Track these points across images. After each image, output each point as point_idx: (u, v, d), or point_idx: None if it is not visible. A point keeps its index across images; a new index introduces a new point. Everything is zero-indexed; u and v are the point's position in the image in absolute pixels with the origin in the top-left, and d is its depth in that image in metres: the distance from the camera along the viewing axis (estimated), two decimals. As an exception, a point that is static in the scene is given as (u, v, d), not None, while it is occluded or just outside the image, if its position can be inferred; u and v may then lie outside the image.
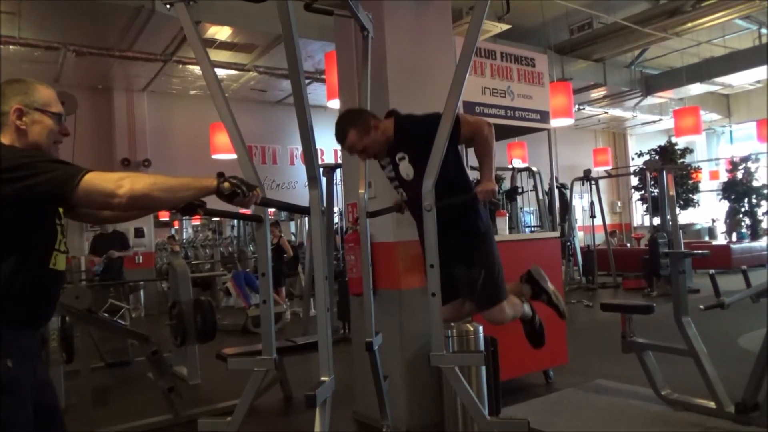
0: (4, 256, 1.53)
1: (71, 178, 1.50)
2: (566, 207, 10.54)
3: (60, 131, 1.75)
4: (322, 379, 1.87)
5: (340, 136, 2.54)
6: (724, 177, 14.83)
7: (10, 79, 1.73)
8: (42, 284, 1.62)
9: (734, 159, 14.22)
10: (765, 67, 11.17)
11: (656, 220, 9.78)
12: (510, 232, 4.40)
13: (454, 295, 2.66)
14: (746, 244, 12.24)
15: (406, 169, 2.49)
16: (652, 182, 10.17)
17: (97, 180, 1.52)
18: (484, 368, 3.19)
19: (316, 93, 9.73)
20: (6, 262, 1.53)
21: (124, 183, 1.52)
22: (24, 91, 1.70)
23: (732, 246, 11.62)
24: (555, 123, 5.77)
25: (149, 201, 1.59)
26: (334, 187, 6.20)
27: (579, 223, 12.46)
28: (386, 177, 2.67)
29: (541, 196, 8.61)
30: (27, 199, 1.51)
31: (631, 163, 15.80)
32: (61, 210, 1.71)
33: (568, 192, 10.67)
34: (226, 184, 1.69)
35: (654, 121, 15.76)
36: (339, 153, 4.21)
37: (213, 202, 1.88)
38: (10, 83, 1.71)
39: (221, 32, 8.32)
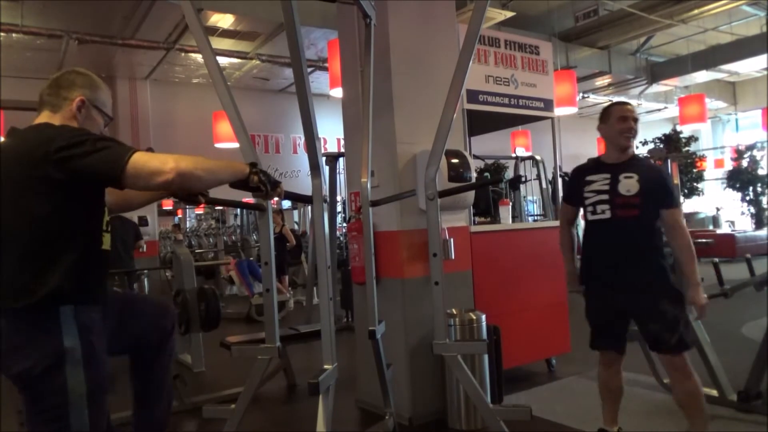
0: (65, 241, 1.60)
1: (120, 158, 1.54)
2: (570, 196, 10.48)
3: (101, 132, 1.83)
4: (325, 366, 1.88)
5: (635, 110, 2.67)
6: (729, 165, 14.75)
7: (80, 70, 1.84)
8: (97, 264, 1.72)
9: (740, 147, 14.16)
10: (771, 54, 11.07)
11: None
12: (513, 221, 4.39)
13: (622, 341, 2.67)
14: (750, 232, 12.20)
15: (629, 186, 2.48)
16: (657, 171, 10.10)
17: (144, 158, 1.55)
18: (486, 356, 3.20)
19: (319, 81, 9.70)
20: (67, 245, 1.61)
21: (169, 161, 1.55)
22: (91, 85, 1.80)
23: (736, 235, 11.59)
24: (559, 111, 5.74)
25: (195, 180, 1.63)
26: (338, 176, 6.19)
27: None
28: (585, 191, 2.60)
29: (544, 185, 8.57)
30: (81, 179, 1.58)
31: (636, 151, 15.67)
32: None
33: (571, 181, 10.61)
34: (255, 178, 1.78)
35: (659, 109, 15.64)
36: (342, 142, 4.20)
37: (220, 192, 1.89)
38: (80, 74, 1.81)
39: (224, 20, 8.28)
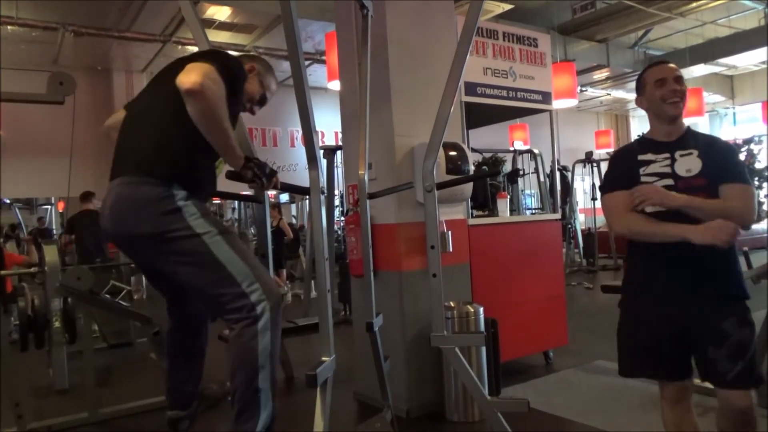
0: (199, 152, 1.95)
1: (195, 61, 1.83)
2: (567, 189, 10.51)
3: (250, 107, 2.25)
4: (323, 359, 1.87)
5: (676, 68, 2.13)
6: (726, 159, 14.74)
7: (267, 62, 2.32)
8: (212, 176, 2.11)
9: (737, 141, 14.15)
10: (770, 47, 11.06)
11: (658, 203, 9.74)
12: (511, 214, 4.39)
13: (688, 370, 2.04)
14: (748, 226, 12.23)
15: (688, 164, 1.98)
16: (654, 164, 10.10)
17: (198, 67, 1.79)
18: (484, 349, 3.21)
19: (317, 74, 9.66)
20: (199, 155, 1.96)
21: (204, 81, 1.75)
22: (265, 68, 2.27)
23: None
24: (557, 104, 5.73)
25: (206, 110, 1.78)
26: (335, 169, 6.18)
27: (580, 206, 12.44)
28: (641, 173, 2.03)
29: (542, 179, 8.55)
30: None
31: (633, 145, 15.68)
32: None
33: (569, 174, 10.64)
34: (249, 173, 1.90)
35: (657, 103, 15.62)
36: (340, 135, 4.19)
37: (218, 185, 1.88)
38: (265, 61, 2.30)
39: (220, 12, 8.24)
